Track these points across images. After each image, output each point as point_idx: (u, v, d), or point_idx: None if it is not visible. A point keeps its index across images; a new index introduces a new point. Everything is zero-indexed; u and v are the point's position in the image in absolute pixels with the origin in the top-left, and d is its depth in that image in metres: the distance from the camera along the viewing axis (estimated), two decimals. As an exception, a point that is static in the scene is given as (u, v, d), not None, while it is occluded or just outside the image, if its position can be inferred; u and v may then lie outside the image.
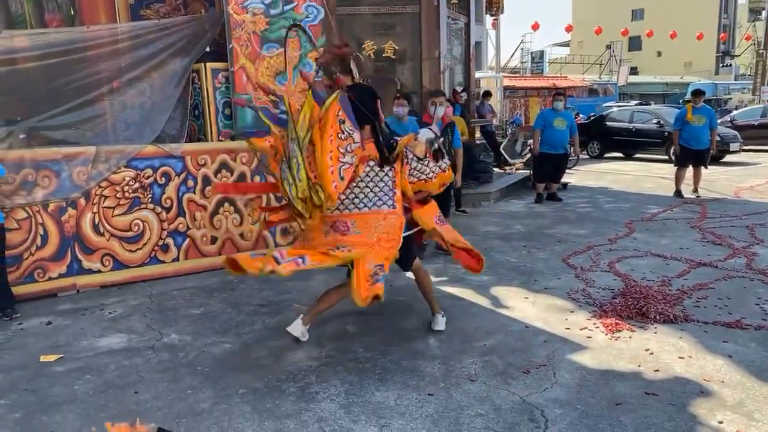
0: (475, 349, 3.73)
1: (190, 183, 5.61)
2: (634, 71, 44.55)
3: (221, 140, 5.89)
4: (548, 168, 9.30)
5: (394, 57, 9.73)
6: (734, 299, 4.49)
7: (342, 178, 3.57)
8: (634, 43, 49.58)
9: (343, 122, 3.61)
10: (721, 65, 49.03)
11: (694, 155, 9.10)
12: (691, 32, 40.68)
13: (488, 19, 21.86)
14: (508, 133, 14.89)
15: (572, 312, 4.34)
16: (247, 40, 5.83)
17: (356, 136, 3.66)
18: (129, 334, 4.17)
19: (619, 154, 16.09)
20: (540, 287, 4.96)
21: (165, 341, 4.03)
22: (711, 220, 7.46)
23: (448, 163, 4.05)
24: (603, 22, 41.33)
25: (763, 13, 32.26)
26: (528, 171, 10.99)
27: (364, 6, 9.79)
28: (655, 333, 3.89)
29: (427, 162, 3.88)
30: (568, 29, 31.88)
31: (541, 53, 37.72)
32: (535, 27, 30.49)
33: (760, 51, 30.97)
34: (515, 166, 12.85)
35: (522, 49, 37.78)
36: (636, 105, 18.73)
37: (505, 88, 19.96)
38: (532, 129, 10.59)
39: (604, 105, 21.33)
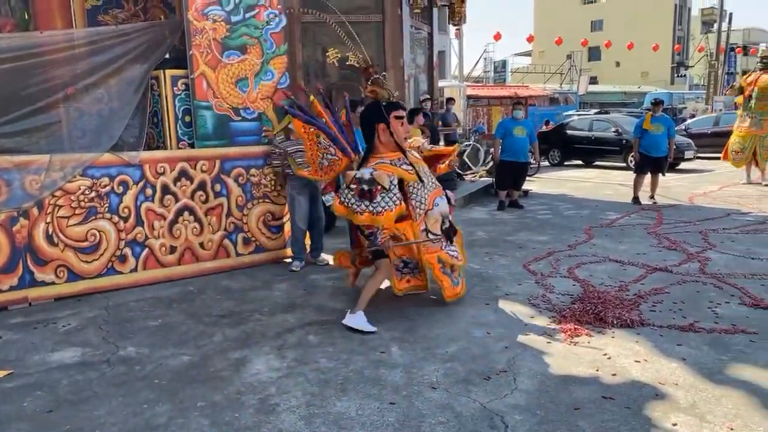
0: (437, 357, 3.74)
1: (149, 192, 5.49)
2: (593, 80, 45.61)
3: (180, 148, 5.79)
4: (510, 176, 9.44)
5: (358, 65, 9.73)
6: (688, 303, 4.61)
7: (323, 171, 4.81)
8: (594, 54, 50.78)
9: (318, 136, 4.75)
10: (676, 75, 50.61)
11: (652, 162, 9.37)
12: (647, 43, 41.89)
13: (451, 29, 22.12)
14: (471, 141, 15.06)
15: (532, 318, 4.40)
16: (208, 47, 5.75)
17: (332, 150, 4.71)
18: (83, 348, 4.05)
19: (579, 162, 16.44)
20: (501, 293, 5.01)
21: (121, 354, 3.93)
22: (667, 225, 7.66)
23: (381, 209, 4.15)
24: (564, 32, 42.20)
25: (715, 25, 33.44)
26: (491, 179, 11.12)
27: (332, 14, 9.79)
28: (613, 338, 3.97)
29: (352, 192, 4.21)
30: (530, 39, 32.48)
31: (504, 63, 38.34)
32: (498, 37, 30.96)
33: (713, 62, 32.07)
34: (478, 174, 13.00)
35: (485, 58, 38.32)
36: (595, 114, 19.17)
37: (469, 97, 20.19)
38: (493, 137, 10.75)
39: (564, 114, 21.79)
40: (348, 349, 3.90)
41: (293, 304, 4.85)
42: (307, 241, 6.16)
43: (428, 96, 10.62)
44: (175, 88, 5.77)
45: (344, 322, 4.26)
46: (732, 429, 2.83)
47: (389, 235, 4.30)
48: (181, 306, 4.92)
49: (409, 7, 9.83)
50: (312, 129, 4.72)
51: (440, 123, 11.92)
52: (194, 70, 5.71)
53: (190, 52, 5.69)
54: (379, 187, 4.16)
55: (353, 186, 4.20)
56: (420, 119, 8.56)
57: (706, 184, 11.81)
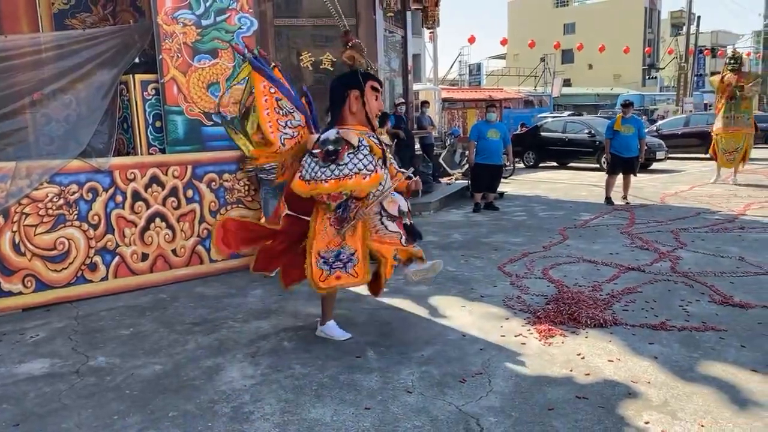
0: (412, 360, 3.73)
1: (119, 198, 5.40)
2: (567, 83, 46.29)
3: (151, 153, 5.70)
4: (485, 178, 9.50)
5: (332, 69, 9.73)
6: (660, 302, 4.68)
7: (283, 144, 3.91)
8: (567, 56, 51.52)
9: (280, 100, 3.96)
10: (647, 77, 51.57)
11: (623, 163, 9.53)
12: (619, 46, 42.60)
13: (426, 32, 22.20)
14: (446, 144, 15.13)
15: (507, 319, 4.41)
16: (178, 51, 5.68)
17: (297, 115, 3.98)
18: (52, 359, 3.95)
19: (554, 163, 16.62)
20: (477, 296, 5.02)
21: (91, 365, 3.84)
22: (639, 225, 7.78)
23: (348, 171, 3.66)
24: (537, 35, 42.72)
25: (684, 28, 34.13)
26: (467, 181, 11.18)
27: (303, 18, 9.77)
28: (586, 337, 4.00)
29: (316, 159, 3.71)
30: (504, 42, 32.76)
31: (479, 66, 38.62)
32: (472, 40, 31.17)
33: (682, 64, 32.74)
34: (454, 177, 13.07)
35: (460, 61, 38.58)
36: (568, 116, 19.41)
37: (444, 100, 20.30)
38: (468, 140, 10.81)
39: (538, 116, 22.03)
40: (323, 354, 3.87)
41: (268, 310, 4.80)
42: (282, 246, 6.11)
43: (403, 100, 10.64)
44: (145, 93, 5.69)
45: (317, 333, 4.17)
46: (702, 426, 2.87)
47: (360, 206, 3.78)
48: (153, 314, 4.84)
49: (383, 11, 9.84)
50: (273, 90, 3.96)
51: (415, 126, 11.94)
52: (164, 74, 5.63)
53: (160, 56, 5.61)
54: (345, 147, 3.69)
55: (316, 151, 3.71)
56: (388, 125, 8.60)
57: (677, 184, 12.02)
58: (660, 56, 50.50)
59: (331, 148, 3.69)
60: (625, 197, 9.69)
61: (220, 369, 3.70)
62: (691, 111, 24.61)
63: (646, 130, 18.67)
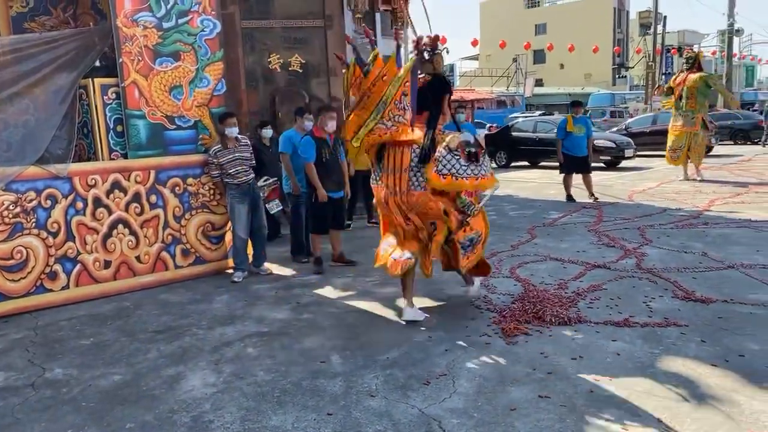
0: (377, 363, 3.71)
1: (80, 205, 5.28)
2: (539, 83, 46.78)
3: (113, 159, 5.59)
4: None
5: (300, 70, 9.67)
6: (624, 298, 4.73)
7: (372, 131, 4.15)
8: (539, 56, 52.02)
9: (405, 95, 4.20)
10: (617, 76, 52.32)
11: (577, 162, 9.70)
12: (589, 46, 43.17)
13: (399, 33, 22.15)
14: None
15: (473, 319, 4.42)
16: (139, 55, 5.57)
17: (408, 114, 4.25)
18: (6, 372, 3.84)
19: (525, 163, 16.75)
20: (445, 296, 5.02)
21: (47, 377, 3.74)
22: (606, 223, 7.86)
23: (486, 173, 4.20)
24: (509, 36, 43.06)
25: (652, 28, 34.74)
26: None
27: (273, 19, 9.69)
28: (551, 336, 4.02)
29: (457, 157, 4.08)
30: (474, 43, 33.00)
31: (452, 67, 38.79)
32: (443, 41, 31.20)
33: (650, 63, 33.32)
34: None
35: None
36: (539, 115, 19.59)
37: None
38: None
39: (510, 116, 22.21)
40: (287, 360, 3.82)
41: (233, 316, 4.73)
42: (250, 251, 6.04)
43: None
44: (105, 97, 5.57)
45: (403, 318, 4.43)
46: (661, 421, 2.90)
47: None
48: (115, 323, 4.74)
49: (351, 12, 9.81)
50: (408, 83, 4.18)
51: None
52: (125, 78, 5.53)
53: (120, 59, 5.50)
54: (480, 150, 4.17)
55: (458, 151, 4.08)
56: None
57: (645, 181, 12.19)
58: (629, 56, 51.31)
59: (473, 150, 4.12)
60: (592, 194, 9.82)
61: (181, 378, 3.63)
62: (659, 109, 25.03)
63: (616, 129, 18.95)
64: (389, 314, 4.63)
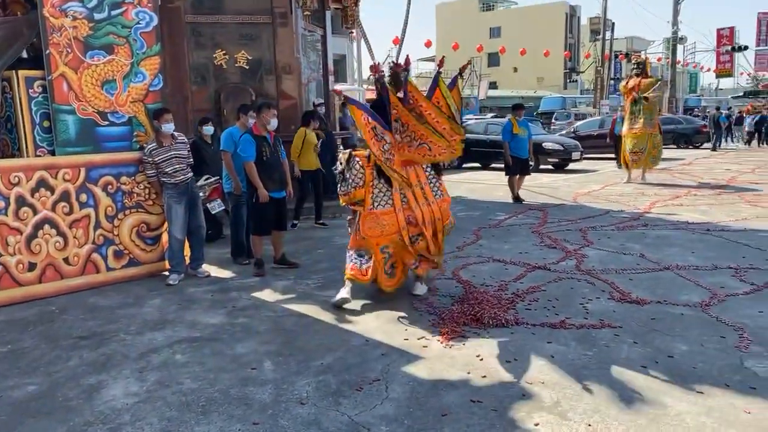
0: (311, 369, 3.60)
1: (1, 204, 4.98)
2: (493, 85, 47.37)
3: (39, 155, 5.30)
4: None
5: (247, 67, 9.46)
6: (562, 300, 4.76)
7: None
8: (494, 59, 52.75)
9: (375, 128, 4.68)
10: (568, 80, 53.55)
11: (521, 164, 9.84)
12: (542, 50, 44.02)
13: (355, 32, 22.09)
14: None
15: (413, 322, 4.36)
16: (68, 46, 5.31)
17: (387, 137, 4.73)
18: None
19: (477, 164, 16.89)
20: (386, 298, 4.95)
21: (-45, 389, 3.49)
22: (550, 224, 7.96)
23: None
24: (464, 38, 43.50)
25: (601, 34, 35.65)
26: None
27: (220, 14, 9.44)
28: (487, 338, 4.00)
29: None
30: (428, 44, 33.09)
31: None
32: (396, 41, 31.29)
33: (599, 68, 34.18)
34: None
35: (388, 63, 38.69)
36: (491, 117, 19.79)
37: (368, 100, 20.22)
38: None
39: (465, 117, 22.37)
40: (217, 367, 3.68)
41: (164, 321, 4.54)
42: (188, 252, 5.84)
43: (322, 100, 10.49)
44: (30, 91, 5.28)
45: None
46: (590, 425, 2.89)
47: None
48: (37, 328, 4.48)
49: (300, 9, 9.65)
50: (370, 119, 4.72)
51: (337, 127, 11.82)
52: (52, 71, 5.25)
53: (47, 51, 5.22)
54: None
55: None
56: (315, 123, 8.43)
57: (590, 183, 12.46)
58: (580, 60, 52.57)
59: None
60: (517, 195, 10.06)
61: (101, 387, 3.45)
62: (606, 113, 25.68)
63: (564, 132, 19.29)
64: (328, 318, 4.53)
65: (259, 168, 5.51)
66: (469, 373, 3.48)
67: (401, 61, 5.07)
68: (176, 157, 5.53)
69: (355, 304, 4.79)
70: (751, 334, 3.92)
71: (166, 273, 5.77)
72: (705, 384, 3.26)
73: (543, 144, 15.38)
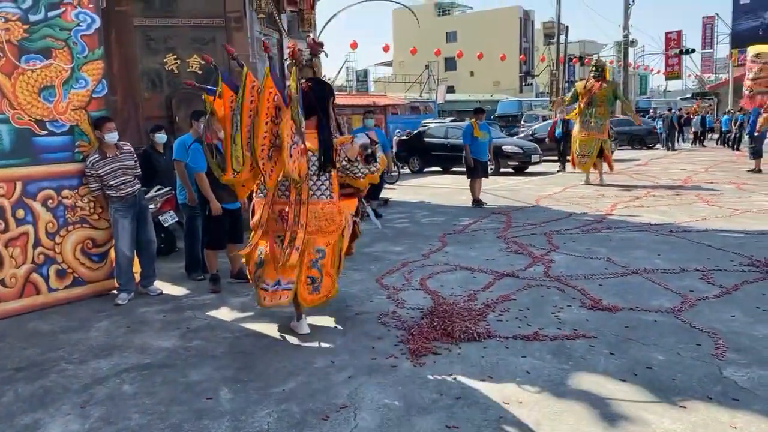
0: (272, 397, 3.33)
1: (-75, 223, 4.54)
2: (451, 89, 47.61)
3: (-31, 169, 4.86)
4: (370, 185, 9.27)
5: (200, 72, 9.08)
6: (533, 309, 4.61)
7: (291, 156, 3.81)
8: (450, 64, 53.09)
9: (279, 109, 3.83)
10: (524, 84, 54.35)
11: (482, 167, 9.78)
12: (497, 54, 44.51)
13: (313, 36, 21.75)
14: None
15: (380, 339, 4.13)
16: (0, 50, 4.90)
17: (304, 125, 4.06)
18: None
19: (438, 169, 16.81)
20: (352, 313, 4.71)
21: None
22: (515, 228, 7.86)
23: (377, 168, 4.42)
24: (421, 43, 43.60)
25: (555, 37, 36.27)
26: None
27: (171, 18, 9.05)
28: (459, 354, 3.80)
29: (357, 165, 4.30)
30: (386, 49, 33.10)
31: (365, 72, 38.78)
32: (354, 46, 31.19)
33: (554, 71, 34.72)
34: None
35: (347, 68, 38.55)
36: (450, 122, 19.77)
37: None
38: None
39: (423, 122, 22.33)
40: (169, 398, 3.37)
41: (112, 347, 4.19)
42: (137, 269, 5.47)
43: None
44: (-43, 98, 4.84)
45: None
46: (573, 448, 2.72)
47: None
48: (-32, 360, 4.07)
49: (254, 11, 9.34)
50: (276, 97, 3.80)
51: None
52: (-18, 76, 4.83)
53: (-24, 55, 4.80)
54: (375, 146, 4.37)
55: (359, 158, 4.28)
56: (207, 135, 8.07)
57: (550, 186, 12.48)
58: (535, 64, 53.43)
59: (369, 151, 4.29)
60: (478, 199, 10.02)
61: (37, 426, 3.10)
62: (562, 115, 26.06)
63: (523, 135, 19.43)
64: (289, 337, 4.26)
65: (212, 178, 5.18)
66: (442, 394, 3.27)
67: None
68: (122, 168, 5.17)
69: (320, 320, 4.54)
70: (726, 341, 3.84)
71: (115, 292, 5.39)
72: (686, 397, 3.13)
73: (503, 147, 15.40)
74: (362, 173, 4.35)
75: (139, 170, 5.42)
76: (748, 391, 3.17)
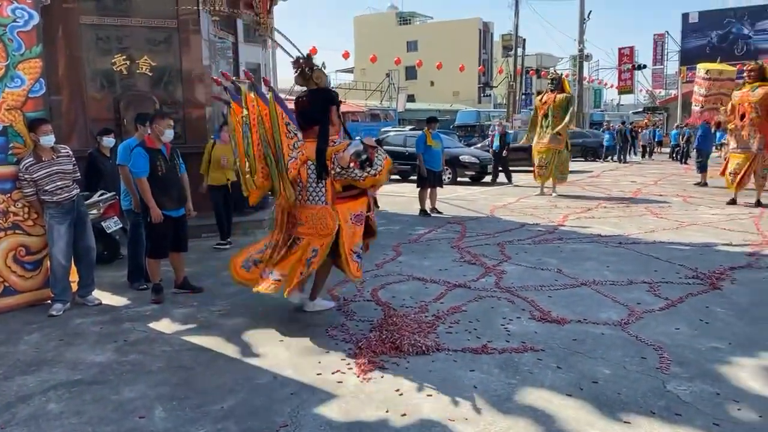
0: (209, 415, 3.18)
1: None
2: (411, 98, 47.89)
3: None
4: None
5: (150, 73, 8.81)
6: (483, 321, 4.57)
7: (287, 168, 4.45)
8: (411, 73, 53.41)
9: (288, 124, 4.50)
10: (483, 95, 55.10)
11: (435, 176, 9.79)
12: (457, 64, 45.01)
13: (269, 41, 21.47)
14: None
15: (327, 353, 4.01)
16: (-75, 45, 4.60)
17: (300, 135, 4.54)
18: None
19: (397, 177, 16.78)
20: (299, 326, 4.58)
21: None
22: (469, 238, 7.86)
23: (380, 167, 4.46)
24: (382, 51, 43.74)
25: (512, 50, 36.91)
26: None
27: (123, 17, 8.74)
28: (407, 368, 3.72)
29: (351, 171, 4.41)
30: (345, 55, 33.04)
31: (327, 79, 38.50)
32: (314, 51, 30.88)
33: (511, 83, 35.31)
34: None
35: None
36: (410, 130, 19.82)
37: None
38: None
39: (383, 129, 22.35)
40: (98, 417, 3.17)
41: (41, 361, 3.94)
42: (75, 278, 5.21)
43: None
44: None
45: (306, 309, 4.78)
46: (517, 467, 2.66)
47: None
48: None
49: (208, 14, 9.12)
50: (284, 115, 4.48)
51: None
52: None
53: None
54: (372, 150, 4.43)
55: (352, 165, 4.38)
56: (226, 137, 7.84)
57: (505, 196, 12.60)
58: (493, 75, 54.24)
59: (364, 157, 4.39)
60: (434, 208, 10.01)
61: (-51, 452, 2.87)
62: (519, 127, 26.46)
63: (480, 145, 19.63)
64: (232, 351, 4.10)
65: (154, 184, 4.99)
66: (387, 411, 3.17)
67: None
68: (59, 173, 4.92)
69: (265, 333, 4.40)
70: (670, 354, 3.88)
71: (50, 302, 5.11)
72: (631, 412, 3.12)
73: (460, 157, 15.51)
74: (361, 176, 4.44)
75: (78, 174, 5.18)
76: (690, 405, 3.18)
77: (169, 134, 5.09)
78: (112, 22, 8.79)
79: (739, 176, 10.42)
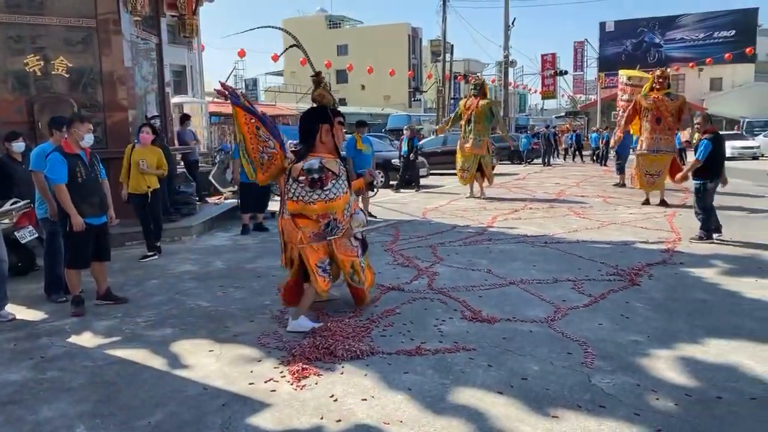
0: (135, 431, 3.05)
1: None
2: (342, 102, 47.95)
3: None
4: (253, 197, 9.01)
5: (67, 75, 8.39)
6: (416, 323, 4.62)
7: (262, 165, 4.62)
8: (342, 76, 53.41)
9: (258, 128, 4.55)
10: (413, 99, 55.87)
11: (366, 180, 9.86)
12: (387, 69, 45.40)
13: (197, 43, 20.95)
14: (216, 160, 14.30)
15: (259, 361, 3.94)
16: None
17: (272, 143, 4.57)
18: None
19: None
20: (229, 335, 4.47)
21: None
22: (402, 241, 7.93)
23: (333, 195, 4.41)
24: (312, 55, 43.20)
25: (441, 55, 37.66)
26: (237, 200, 10.55)
27: (38, 15, 8.26)
28: (342, 374, 3.70)
29: (302, 185, 4.37)
30: (275, 58, 32.67)
31: (255, 81, 38.01)
32: (242, 54, 30.55)
33: (440, 88, 36.00)
34: (224, 196, 12.33)
35: (235, 75, 37.60)
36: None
37: (213, 114, 19.27)
38: (232, 158, 10.30)
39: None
40: (12, 440, 2.98)
41: (-53, 383, 3.67)
42: (-15, 292, 4.87)
43: (157, 113, 9.64)
44: None
45: (288, 329, 4.46)
46: (451, 466, 2.70)
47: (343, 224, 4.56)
48: None
49: (129, 14, 8.78)
50: (252, 120, 4.52)
51: (177, 142, 10.97)
52: None
53: None
54: (329, 174, 4.38)
55: (302, 178, 4.36)
56: (147, 138, 7.56)
57: (437, 199, 12.80)
58: (423, 80, 55.09)
59: (316, 176, 4.36)
60: (369, 213, 10.06)
61: None
62: (451, 131, 26.99)
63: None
64: (159, 363, 3.95)
65: (74, 191, 4.75)
66: (322, 418, 3.15)
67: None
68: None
69: (193, 343, 4.27)
70: (594, 348, 4.04)
71: (-44, 319, 4.76)
72: (558, 407, 3.23)
73: (392, 161, 15.63)
74: (311, 199, 4.39)
75: (-12, 181, 4.85)
76: (613, 397, 3.33)
77: (89, 139, 4.87)
78: (28, 21, 8.31)
79: (658, 177, 10.98)
